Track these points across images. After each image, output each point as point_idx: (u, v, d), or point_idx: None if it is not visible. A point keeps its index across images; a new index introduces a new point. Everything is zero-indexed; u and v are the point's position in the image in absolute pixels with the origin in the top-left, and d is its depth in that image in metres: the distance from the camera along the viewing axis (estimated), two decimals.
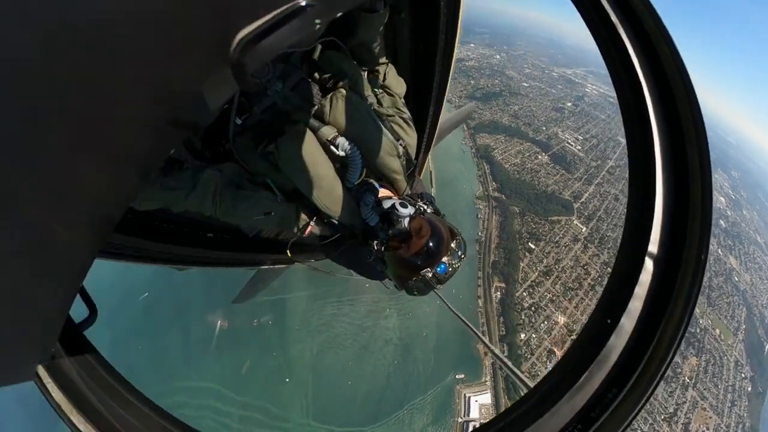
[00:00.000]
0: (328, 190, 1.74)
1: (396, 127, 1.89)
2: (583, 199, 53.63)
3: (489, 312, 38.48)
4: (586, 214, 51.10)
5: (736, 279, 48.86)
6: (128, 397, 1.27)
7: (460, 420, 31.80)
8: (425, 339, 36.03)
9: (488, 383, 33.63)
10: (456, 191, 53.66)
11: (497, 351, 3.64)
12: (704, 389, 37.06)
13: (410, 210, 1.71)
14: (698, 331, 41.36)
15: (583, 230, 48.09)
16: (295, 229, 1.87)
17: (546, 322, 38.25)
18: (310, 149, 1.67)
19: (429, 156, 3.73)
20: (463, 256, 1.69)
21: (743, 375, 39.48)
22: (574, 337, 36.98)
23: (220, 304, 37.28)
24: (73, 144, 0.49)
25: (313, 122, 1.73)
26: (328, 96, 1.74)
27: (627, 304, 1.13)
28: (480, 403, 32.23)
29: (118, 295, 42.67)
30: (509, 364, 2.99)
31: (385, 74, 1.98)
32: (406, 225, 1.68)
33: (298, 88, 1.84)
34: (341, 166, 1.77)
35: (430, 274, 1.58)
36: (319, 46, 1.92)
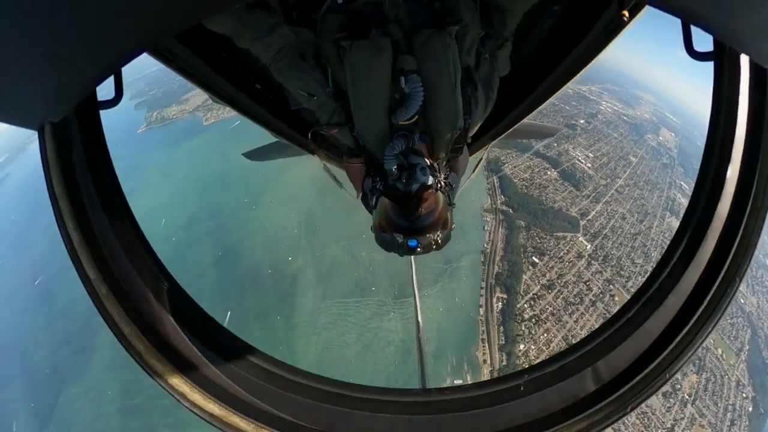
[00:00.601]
0: (371, 114, 1.75)
1: (472, 100, 1.85)
2: (590, 217, 54.78)
3: (489, 321, 40.56)
4: (591, 231, 52.33)
5: (742, 301, 48.89)
6: (108, 180, 1.34)
7: None
8: (426, 343, 38.31)
9: None
10: (464, 202, 56.17)
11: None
12: (703, 406, 37.67)
13: (428, 180, 1.71)
14: (699, 349, 41.88)
15: (588, 247, 49.47)
16: (325, 123, 1.90)
17: (545, 335, 39.95)
18: (379, 68, 1.64)
19: (487, 148, 3.76)
20: (435, 249, 1.76)
21: (744, 395, 39.73)
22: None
23: (230, 299, 40.88)
24: None
25: (401, 44, 1.68)
26: (431, 30, 1.65)
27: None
28: None
29: None
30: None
31: (500, 46, 1.93)
32: (414, 190, 1.69)
33: (412, 3, 1.75)
34: (399, 99, 1.72)
35: (400, 240, 1.69)
36: None
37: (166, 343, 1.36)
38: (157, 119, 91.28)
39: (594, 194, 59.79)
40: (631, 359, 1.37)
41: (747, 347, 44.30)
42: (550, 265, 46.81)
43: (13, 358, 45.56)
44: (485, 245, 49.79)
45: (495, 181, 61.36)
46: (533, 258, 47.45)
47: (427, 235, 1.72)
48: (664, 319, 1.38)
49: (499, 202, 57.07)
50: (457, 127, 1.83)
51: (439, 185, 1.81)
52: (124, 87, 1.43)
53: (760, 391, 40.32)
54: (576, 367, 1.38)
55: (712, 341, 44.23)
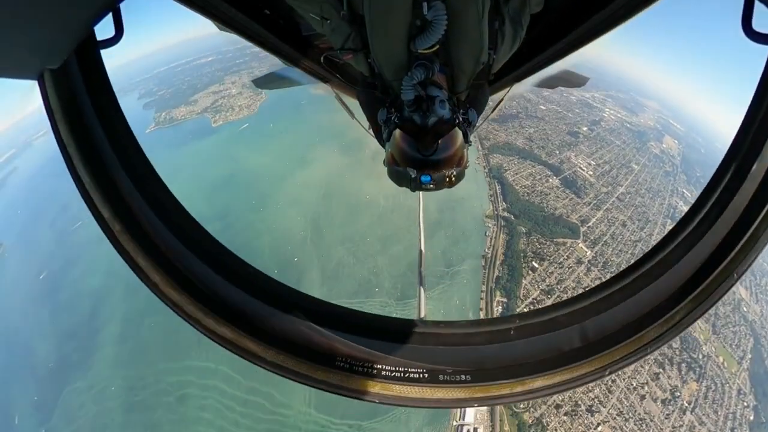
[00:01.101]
0: (388, 40, 1.65)
1: (499, 35, 1.77)
2: (590, 224, 55.40)
3: None
4: (592, 238, 52.94)
5: (745, 309, 49.10)
6: (116, 121, 1.31)
7: (455, 423, 34.22)
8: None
9: None
10: (467, 208, 57.18)
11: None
12: (703, 414, 37.85)
13: (447, 114, 1.66)
14: (700, 357, 42.19)
15: (588, 253, 50.06)
16: (338, 48, 1.82)
17: None
18: None
19: (509, 89, 3.60)
20: (448, 185, 1.72)
21: (746, 404, 39.79)
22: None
23: None
24: None
25: None
26: None
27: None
28: (476, 409, 34.52)
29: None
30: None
31: None
32: (431, 123, 1.64)
33: None
34: (419, 25, 1.60)
35: (413, 174, 1.64)
36: None
37: (180, 273, 1.41)
38: (166, 120, 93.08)
39: (595, 201, 60.40)
40: (619, 325, 1.39)
41: (749, 356, 44.39)
42: (549, 271, 47.42)
43: (18, 352, 46.33)
44: (486, 250, 50.60)
45: (497, 187, 62.32)
46: (533, 263, 48.08)
47: (442, 171, 1.70)
48: (658, 294, 1.39)
49: (500, 208, 57.93)
50: (481, 62, 1.78)
51: (457, 120, 1.77)
52: (125, 25, 1.38)
53: (762, 400, 40.38)
54: (566, 321, 1.42)
55: (714, 349, 44.40)
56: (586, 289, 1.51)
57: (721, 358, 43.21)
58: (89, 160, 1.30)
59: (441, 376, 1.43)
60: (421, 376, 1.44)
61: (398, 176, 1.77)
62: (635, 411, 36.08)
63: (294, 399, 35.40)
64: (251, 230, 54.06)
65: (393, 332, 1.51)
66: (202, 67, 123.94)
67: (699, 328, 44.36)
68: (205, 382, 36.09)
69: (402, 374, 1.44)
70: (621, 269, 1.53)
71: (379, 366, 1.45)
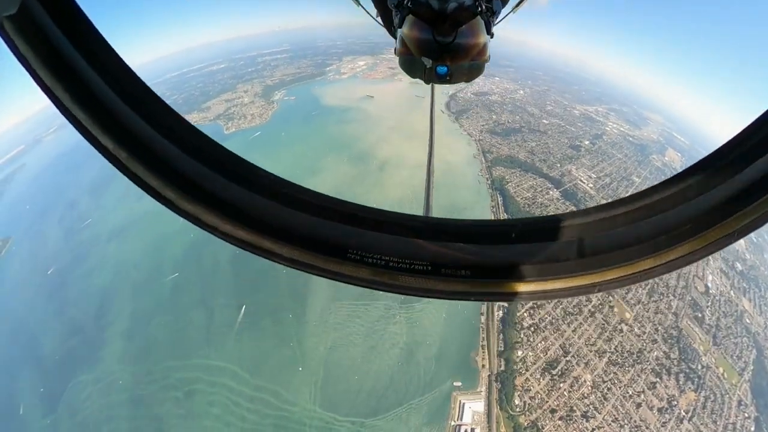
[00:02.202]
0: None
1: None
2: None
3: (490, 328, 42.57)
4: None
5: (748, 321, 49.89)
6: (95, 45, 1.24)
7: (453, 423, 35.34)
8: (428, 347, 40.63)
9: (483, 393, 37.24)
10: (469, 218, 59.32)
11: None
12: (701, 424, 38.54)
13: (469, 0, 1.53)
14: (699, 367, 43.03)
15: None
16: None
17: (543, 343, 41.69)
18: None
19: None
20: (466, 80, 1.67)
21: (746, 415, 40.34)
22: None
23: (246, 295, 43.56)
24: None
25: None
26: None
27: None
28: (473, 410, 35.77)
29: (146, 272, 50.07)
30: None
31: None
32: (450, 9, 1.55)
33: None
34: None
35: (428, 65, 1.58)
36: None
37: (193, 184, 1.44)
38: None
39: None
40: (615, 247, 1.42)
41: (751, 367, 44.90)
42: None
43: (24, 344, 47.44)
44: None
45: (498, 198, 64.53)
46: None
47: (460, 62, 1.60)
48: (659, 228, 1.39)
49: (501, 218, 59.77)
50: None
51: (479, 8, 1.65)
52: None
53: (764, 411, 40.85)
54: (566, 232, 1.46)
55: (714, 360, 45.20)
56: (593, 206, 1.52)
57: (721, 369, 43.91)
58: (80, 96, 1.28)
59: (443, 270, 1.51)
60: (425, 268, 1.52)
61: (411, 66, 1.70)
62: (631, 418, 36.95)
63: (300, 397, 36.89)
64: None
65: (401, 227, 1.57)
66: (213, 74, 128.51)
67: (699, 339, 45.39)
68: (213, 378, 37.67)
69: (408, 266, 1.52)
70: (639, 190, 1.53)
71: (387, 258, 1.52)
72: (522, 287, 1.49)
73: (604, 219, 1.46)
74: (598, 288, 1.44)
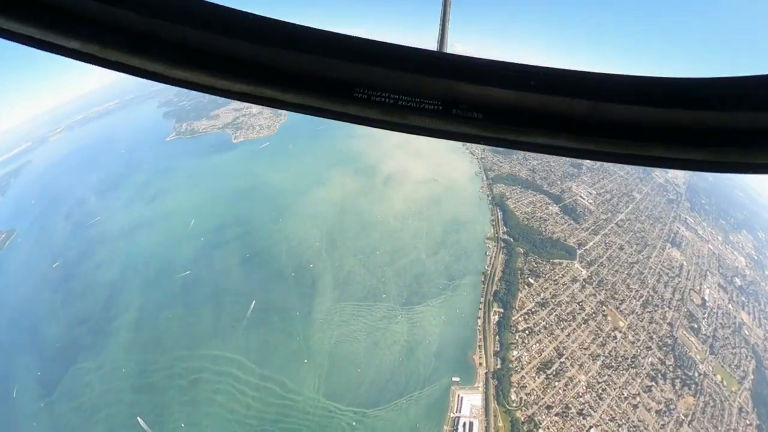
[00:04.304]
0: None
1: None
2: (587, 247, 60.69)
3: (486, 330, 45.55)
4: (588, 259, 58.11)
5: (747, 333, 52.43)
6: None
7: (452, 415, 37.60)
8: (428, 345, 43.80)
9: (480, 388, 39.78)
10: (470, 231, 63.74)
11: None
12: (701, 428, 40.42)
13: None
14: (696, 374, 45.24)
15: (583, 273, 55.07)
16: None
17: (538, 345, 44.43)
18: None
19: None
20: None
21: (748, 422, 42.20)
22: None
23: (256, 293, 46.95)
24: None
25: None
26: None
27: None
28: (471, 404, 38.13)
29: (156, 269, 53.46)
30: None
31: None
32: None
33: None
34: None
35: None
36: None
37: (181, 49, 1.40)
38: (187, 130, 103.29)
39: (593, 227, 65.93)
40: (626, 121, 1.41)
41: (751, 376, 47.00)
42: (545, 287, 52.37)
43: (25, 331, 49.87)
44: (486, 267, 55.98)
45: (499, 213, 68.72)
46: (529, 279, 53.02)
47: None
48: (664, 119, 1.39)
49: (501, 231, 63.73)
50: None
51: None
52: None
53: (767, 420, 42.69)
54: (584, 93, 1.42)
55: (711, 368, 47.24)
56: (615, 74, 1.43)
57: (719, 377, 46.07)
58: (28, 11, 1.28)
59: (454, 110, 1.49)
60: (435, 108, 1.49)
61: None
62: (628, 418, 39.06)
63: (304, 387, 39.44)
64: (270, 238, 61.30)
65: (411, 62, 1.48)
66: None
67: (695, 348, 47.93)
68: (220, 368, 40.43)
69: (417, 105, 1.49)
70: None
71: (396, 96, 1.49)
72: (533, 138, 1.51)
73: (624, 90, 1.42)
74: (601, 158, 1.49)
